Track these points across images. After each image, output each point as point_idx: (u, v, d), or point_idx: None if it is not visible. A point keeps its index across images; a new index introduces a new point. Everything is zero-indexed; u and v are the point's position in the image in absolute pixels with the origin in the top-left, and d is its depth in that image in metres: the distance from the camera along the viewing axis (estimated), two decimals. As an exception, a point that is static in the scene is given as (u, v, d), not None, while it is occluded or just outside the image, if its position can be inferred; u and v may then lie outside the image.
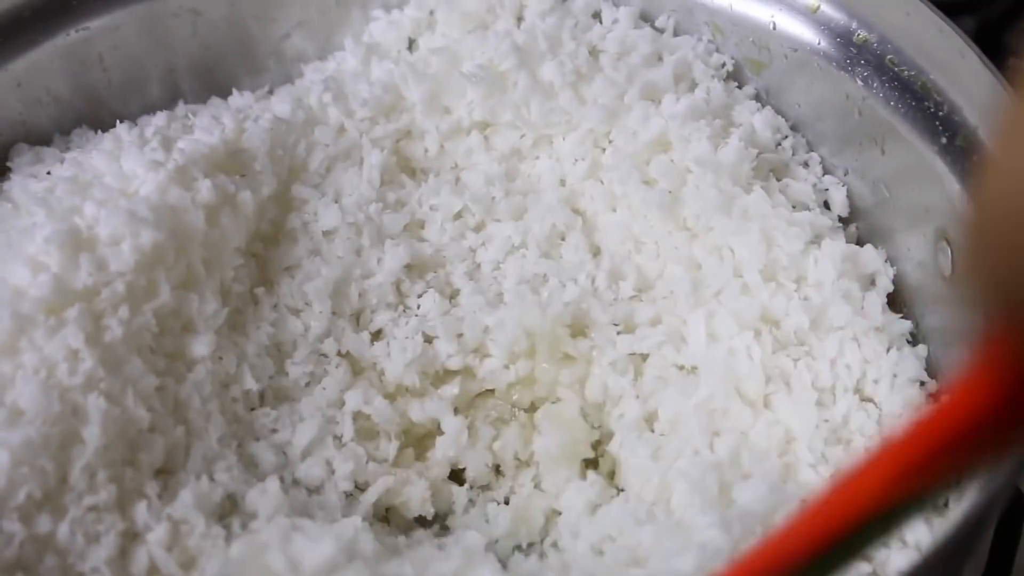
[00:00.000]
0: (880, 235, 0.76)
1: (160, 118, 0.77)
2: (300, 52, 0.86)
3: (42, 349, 0.62)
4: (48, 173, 0.74)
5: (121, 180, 0.70)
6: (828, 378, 0.68)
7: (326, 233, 0.75)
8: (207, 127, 0.75)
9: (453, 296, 0.76)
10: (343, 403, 0.71)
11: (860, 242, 0.76)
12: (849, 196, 0.77)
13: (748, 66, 0.80)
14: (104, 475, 0.61)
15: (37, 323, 0.62)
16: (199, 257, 0.70)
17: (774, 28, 0.78)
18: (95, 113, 0.80)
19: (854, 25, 0.75)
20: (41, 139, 0.78)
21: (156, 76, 0.82)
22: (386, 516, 0.71)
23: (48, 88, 0.78)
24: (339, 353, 0.73)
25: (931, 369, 0.70)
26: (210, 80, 0.83)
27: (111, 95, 0.79)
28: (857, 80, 0.74)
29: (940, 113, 0.70)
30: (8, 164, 0.76)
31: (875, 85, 0.73)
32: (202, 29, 0.82)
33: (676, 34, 0.82)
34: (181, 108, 0.80)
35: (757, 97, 0.80)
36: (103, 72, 0.79)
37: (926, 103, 0.71)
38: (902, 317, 0.76)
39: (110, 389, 0.62)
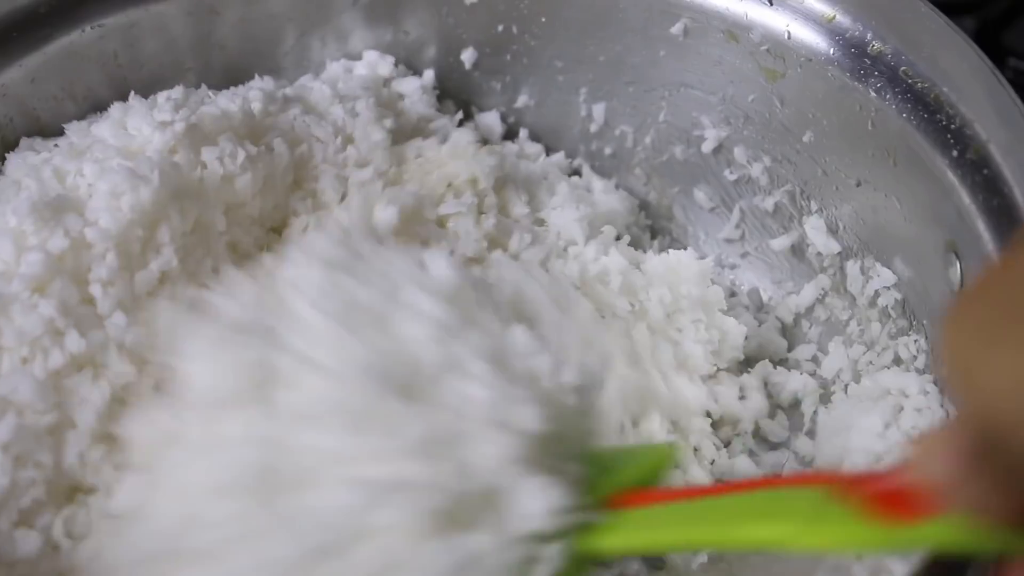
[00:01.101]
0: (890, 247, 0.76)
1: (177, 91, 0.76)
2: (318, 52, 0.86)
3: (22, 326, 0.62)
4: (55, 145, 0.74)
5: (124, 140, 0.71)
6: None
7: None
8: (228, 96, 0.76)
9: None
10: None
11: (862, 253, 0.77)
12: (859, 209, 0.78)
13: (763, 75, 0.80)
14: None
15: (20, 299, 0.63)
16: (210, 221, 0.70)
17: (789, 37, 0.78)
18: (110, 110, 0.80)
19: (869, 36, 0.74)
20: (55, 136, 0.78)
21: (171, 75, 0.81)
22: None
23: (62, 85, 0.78)
24: None
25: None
26: (225, 80, 0.83)
27: (126, 93, 0.79)
28: (871, 91, 0.74)
29: (952, 126, 0.69)
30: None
31: (888, 96, 0.73)
32: (219, 28, 0.82)
33: (687, 36, 0.82)
34: (203, 89, 0.80)
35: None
36: (118, 69, 0.79)
37: (938, 115, 0.70)
38: (911, 329, 0.76)
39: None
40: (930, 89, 0.71)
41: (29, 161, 0.72)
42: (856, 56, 0.75)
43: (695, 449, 0.77)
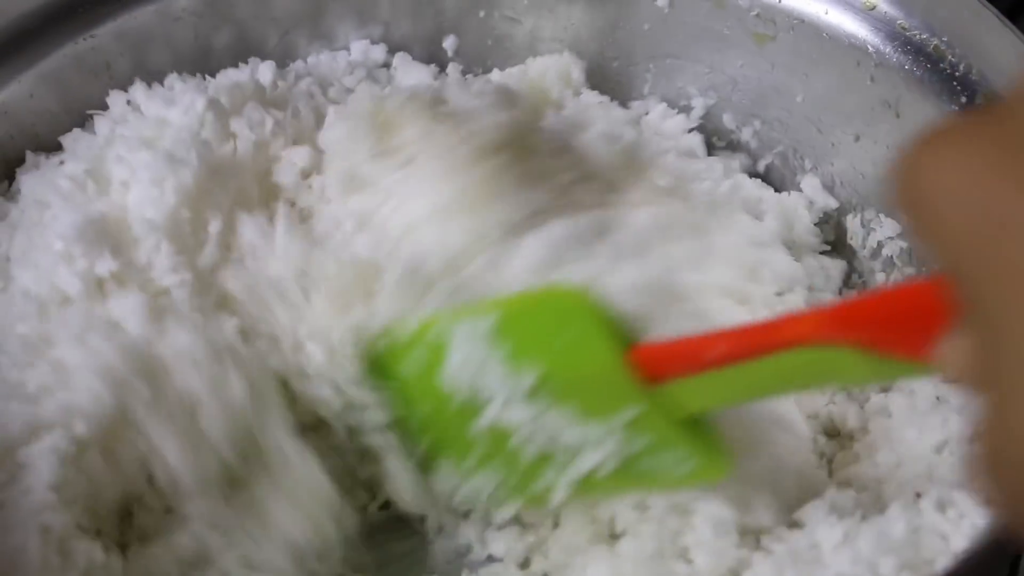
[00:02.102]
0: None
1: (174, 77, 0.77)
2: (303, 50, 0.85)
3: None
4: (61, 163, 0.73)
5: (144, 128, 0.71)
6: None
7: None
8: (233, 73, 0.77)
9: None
10: None
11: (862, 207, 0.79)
12: (857, 163, 0.80)
13: (752, 40, 0.81)
14: None
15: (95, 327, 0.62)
16: (248, 190, 0.70)
17: (779, 1, 0.79)
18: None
19: (862, -7, 0.76)
20: (55, 151, 0.76)
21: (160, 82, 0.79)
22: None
23: (59, 99, 0.76)
24: None
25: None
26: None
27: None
28: (868, 47, 0.76)
29: (956, 73, 0.72)
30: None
31: (887, 51, 0.75)
32: (203, 31, 0.81)
33: (673, 7, 0.83)
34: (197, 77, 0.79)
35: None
36: (110, 80, 0.78)
37: (941, 65, 0.73)
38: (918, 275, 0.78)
39: None
40: (929, 40, 0.73)
41: (47, 178, 0.70)
42: (850, 14, 0.77)
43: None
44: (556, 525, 0.68)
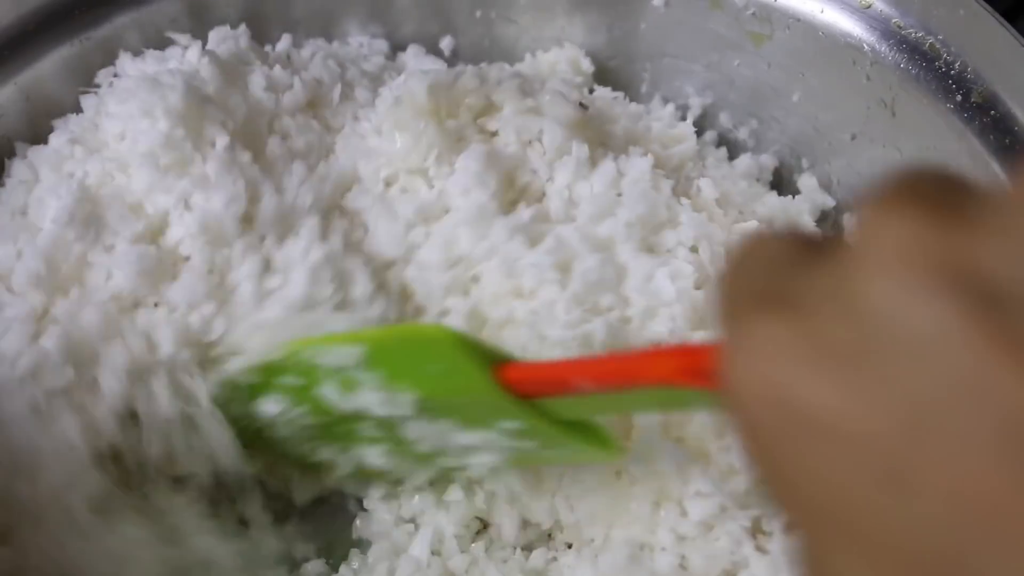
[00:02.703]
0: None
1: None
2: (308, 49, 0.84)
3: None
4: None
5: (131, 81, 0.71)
6: None
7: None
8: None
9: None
10: None
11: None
12: (853, 162, 0.79)
13: (749, 39, 0.81)
14: None
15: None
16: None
17: (775, 0, 0.79)
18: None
19: (856, -9, 0.76)
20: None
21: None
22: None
23: (55, 101, 0.76)
24: None
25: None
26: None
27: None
28: (864, 46, 0.76)
29: (952, 72, 0.72)
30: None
31: (882, 49, 0.75)
32: (199, 34, 0.80)
33: (669, 6, 0.83)
34: None
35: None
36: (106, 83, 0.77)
37: (937, 63, 0.73)
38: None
39: None
40: (924, 39, 0.73)
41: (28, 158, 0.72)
42: (846, 13, 0.77)
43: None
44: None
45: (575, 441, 0.58)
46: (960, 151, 0.71)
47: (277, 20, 0.83)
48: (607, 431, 0.59)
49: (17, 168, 0.71)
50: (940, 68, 0.72)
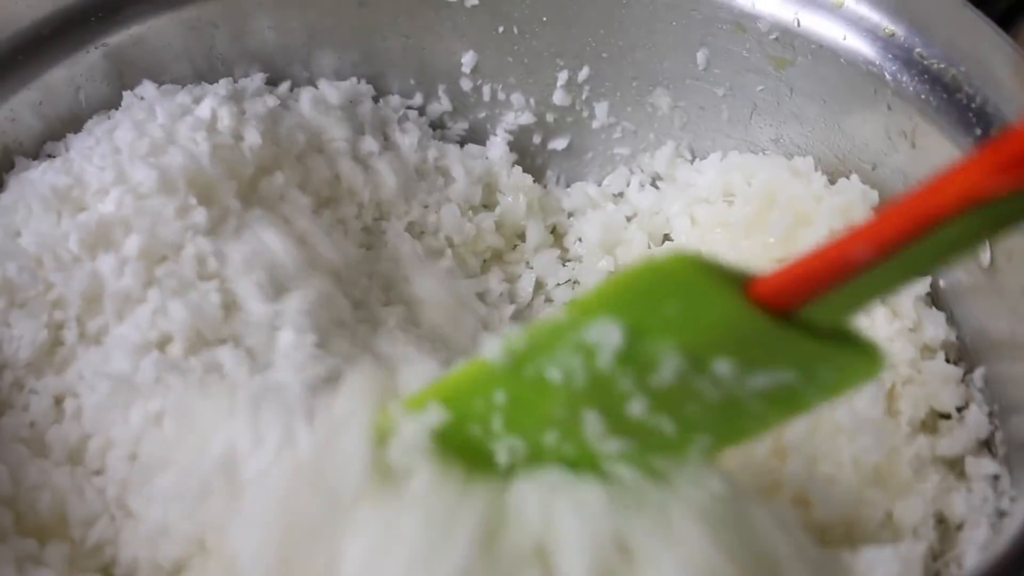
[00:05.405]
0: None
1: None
2: (324, 61, 0.84)
3: None
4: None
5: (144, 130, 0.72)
6: None
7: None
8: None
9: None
10: None
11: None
12: (877, 188, 0.78)
13: (771, 64, 0.80)
14: None
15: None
16: None
17: (798, 25, 0.78)
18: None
19: (880, 19, 0.75)
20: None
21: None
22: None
23: (69, 107, 0.77)
24: None
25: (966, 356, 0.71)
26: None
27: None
28: (886, 74, 0.74)
29: (972, 105, 0.70)
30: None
31: (904, 79, 0.73)
32: (220, 42, 0.81)
33: (693, 29, 0.82)
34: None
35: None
36: (123, 87, 0.78)
37: (958, 95, 0.71)
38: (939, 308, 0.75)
39: None
40: (946, 70, 0.72)
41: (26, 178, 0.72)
42: (868, 40, 0.75)
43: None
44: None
45: (844, 356, 0.48)
46: (978, 186, 0.69)
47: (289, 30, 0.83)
48: (862, 335, 0.49)
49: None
50: (961, 100, 0.71)
